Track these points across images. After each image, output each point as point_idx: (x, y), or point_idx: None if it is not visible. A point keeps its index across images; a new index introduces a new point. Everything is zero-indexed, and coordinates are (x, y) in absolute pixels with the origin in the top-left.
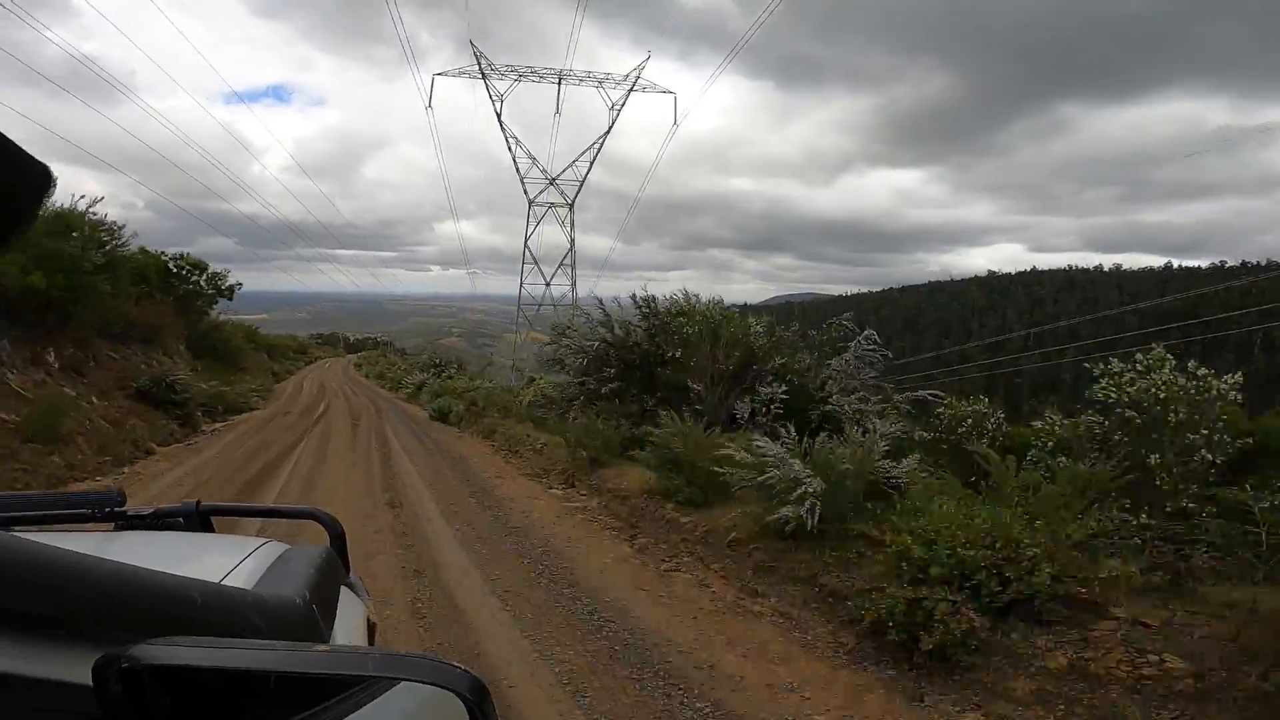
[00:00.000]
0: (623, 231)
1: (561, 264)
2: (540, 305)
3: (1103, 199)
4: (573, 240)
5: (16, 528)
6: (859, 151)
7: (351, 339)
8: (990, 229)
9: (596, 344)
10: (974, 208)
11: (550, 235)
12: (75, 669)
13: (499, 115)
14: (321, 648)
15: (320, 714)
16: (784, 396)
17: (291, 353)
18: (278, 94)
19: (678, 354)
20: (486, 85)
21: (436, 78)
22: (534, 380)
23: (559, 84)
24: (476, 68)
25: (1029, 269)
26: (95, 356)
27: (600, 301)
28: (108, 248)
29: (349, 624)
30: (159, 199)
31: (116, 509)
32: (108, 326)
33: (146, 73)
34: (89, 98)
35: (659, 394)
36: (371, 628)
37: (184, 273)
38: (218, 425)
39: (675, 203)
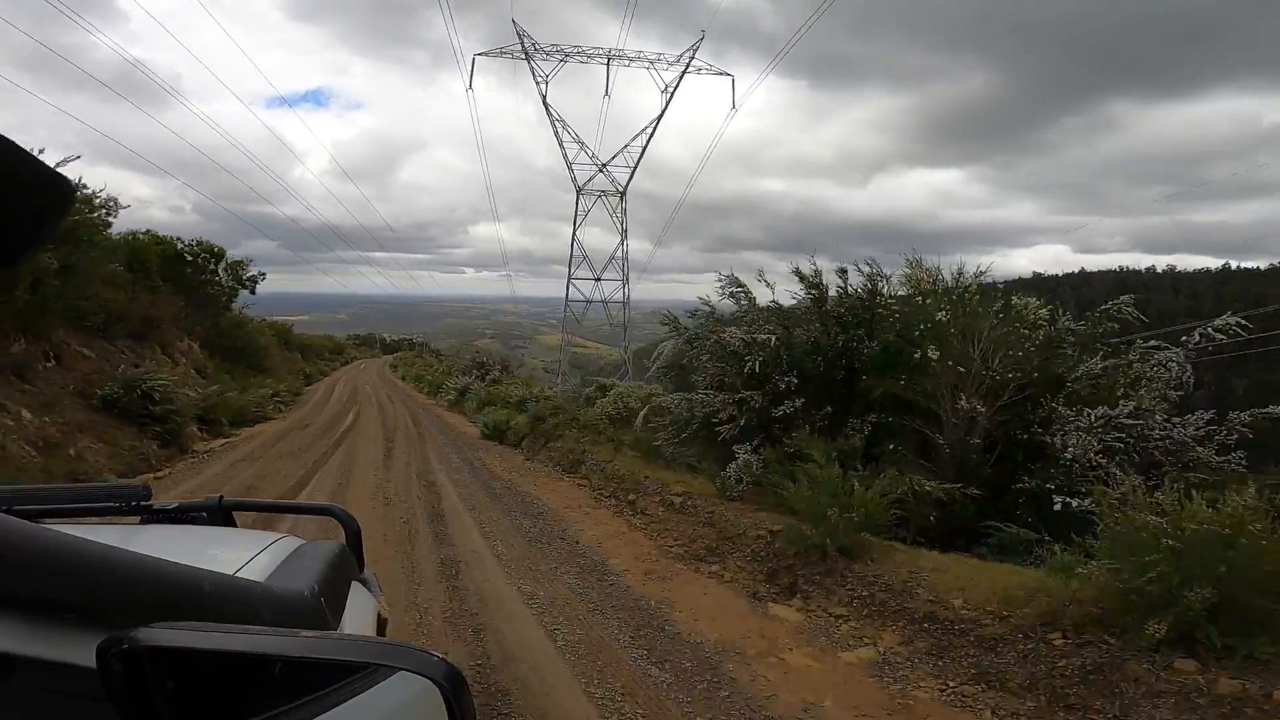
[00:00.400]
0: (667, 230)
1: (612, 258)
2: (589, 303)
3: (1152, 198)
4: (625, 231)
5: (47, 520)
6: (895, 151)
7: (388, 340)
8: (1033, 230)
9: (770, 338)
10: (1016, 208)
11: (591, 238)
12: (83, 652)
13: (544, 97)
14: (308, 633)
15: (317, 700)
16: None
17: (327, 353)
18: (316, 98)
19: (928, 354)
20: (530, 66)
21: (477, 58)
22: (630, 395)
23: (607, 65)
24: (519, 47)
25: (1077, 270)
26: (58, 354)
27: (740, 285)
28: (75, 217)
29: (358, 618)
30: (206, 202)
31: (142, 503)
32: (81, 317)
33: (191, 78)
34: (136, 103)
35: (872, 416)
36: (382, 623)
37: (199, 261)
38: (216, 444)
39: (706, 205)
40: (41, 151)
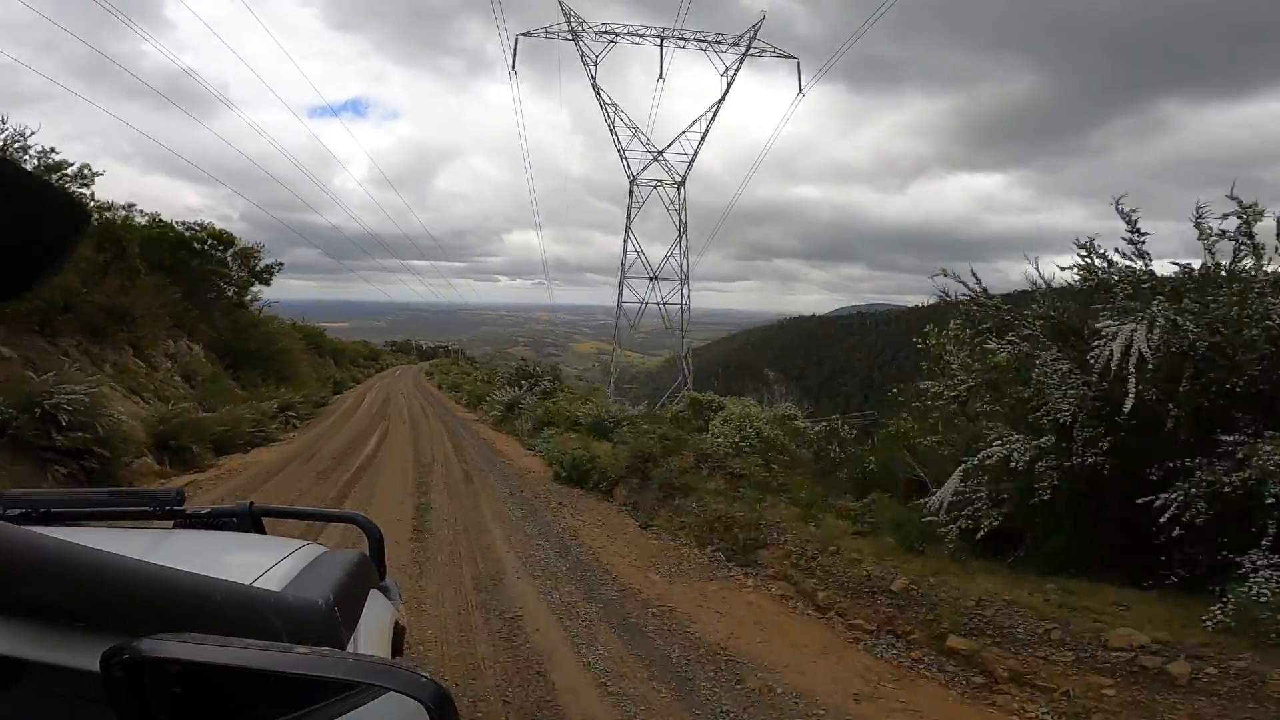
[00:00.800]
0: (714, 233)
1: (668, 256)
2: (644, 304)
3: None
4: (685, 225)
5: (86, 523)
6: (935, 155)
7: (424, 346)
8: (1080, 234)
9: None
10: (1062, 212)
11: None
12: (90, 658)
13: (593, 79)
14: (302, 650)
15: (310, 714)
16: None
17: (361, 359)
18: (355, 108)
19: None
20: (578, 46)
21: (520, 39)
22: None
23: (660, 46)
24: (565, 27)
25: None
26: None
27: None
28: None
29: (373, 626)
30: (253, 210)
31: (176, 507)
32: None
33: (237, 88)
34: (186, 112)
35: None
36: (400, 631)
37: (206, 249)
38: (175, 484)
39: (740, 211)
40: (59, 173)
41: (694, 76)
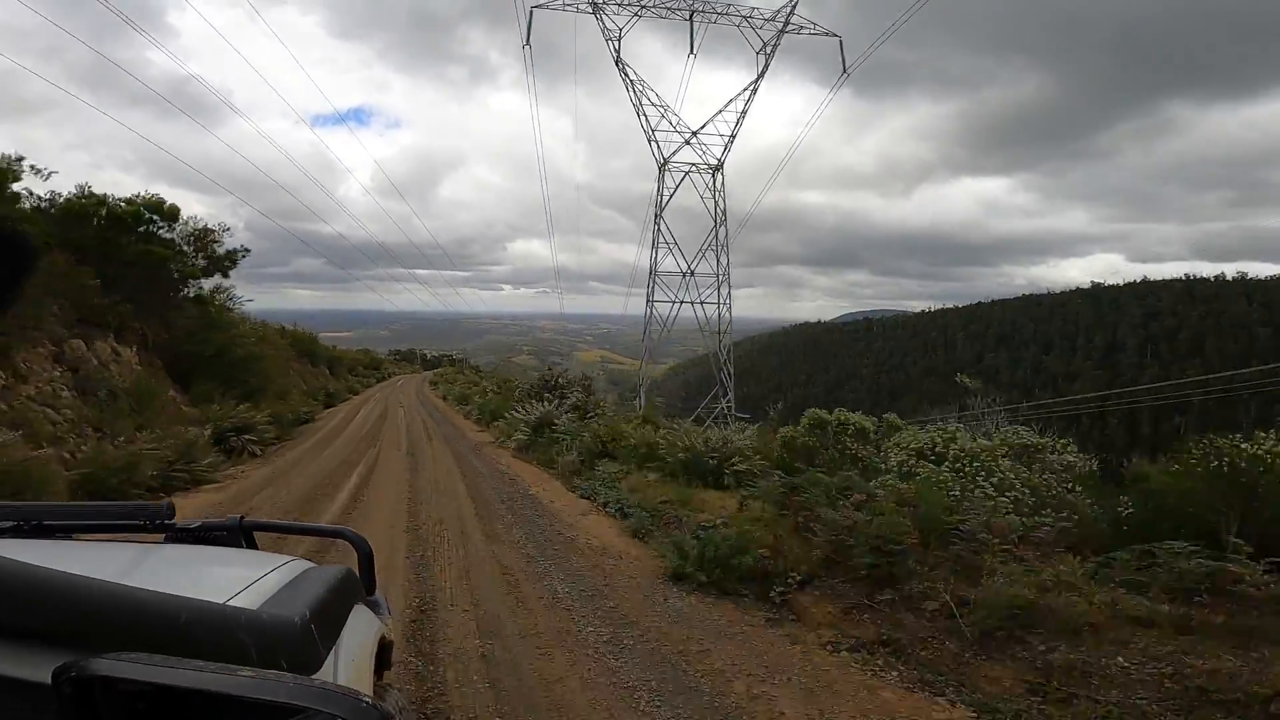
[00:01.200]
0: (744, 221)
1: (703, 251)
2: (679, 302)
3: (1213, 204)
4: (723, 214)
5: (75, 536)
6: (940, 159)
7: (429, 355)
8: (1085, 238)
9: None
10: (1067, 216)
11: (630, 255)
12: (43, 673)
13: (617, 56)
14: (248, 672)
15: None
16: None
17: (361, 367)
18: (358, 116)
19: None
20: (599, 20)
21: (534, 11)
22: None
23: (691, 20)
24: None
25: (1139, 279)
26: None
27: None
28: None
29: (355, 643)
30: (257, 219)
31: (166, 521)
32: None
33: (239, 96)
34: (187, 121)
35: None
36: (385, 645)
37: (147, 227)
38: None
39: (743, 218)
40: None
41: (723, 61)
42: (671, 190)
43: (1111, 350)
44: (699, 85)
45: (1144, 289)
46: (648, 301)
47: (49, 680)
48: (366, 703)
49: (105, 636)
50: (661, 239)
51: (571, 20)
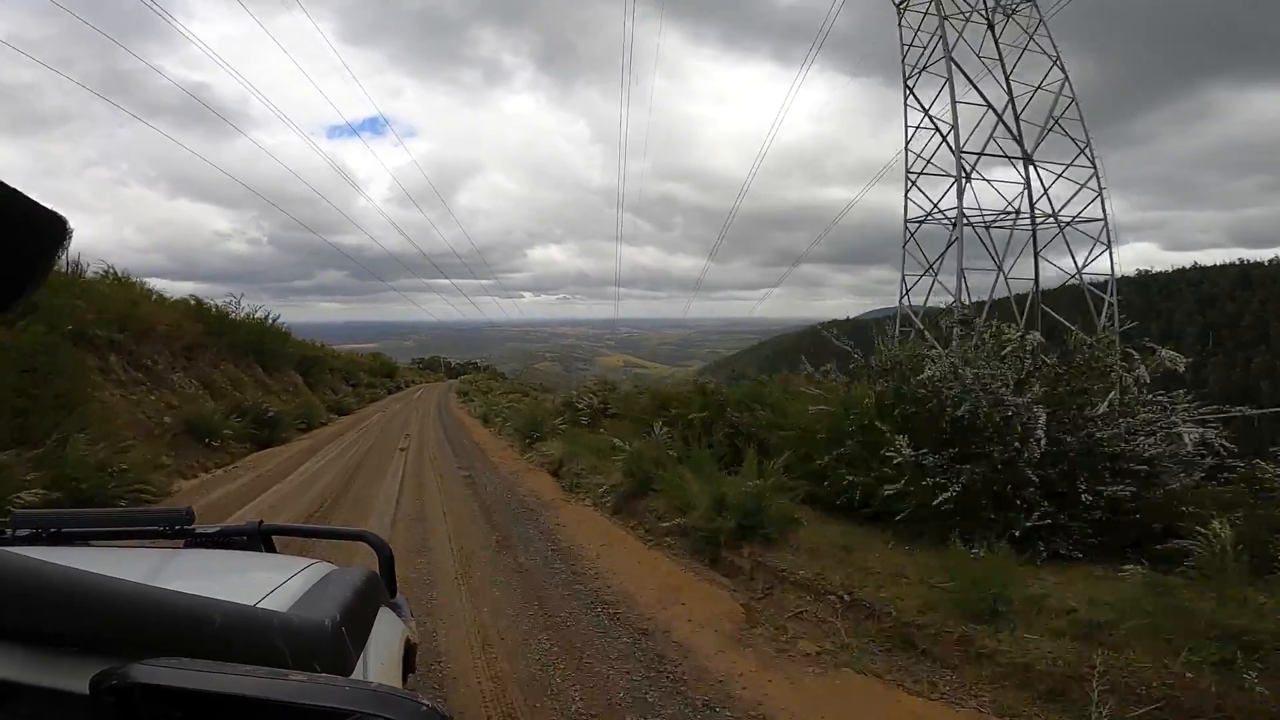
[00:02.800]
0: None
1: (1051, 125)
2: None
3: (1252, 189)
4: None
5: (95, 541)
6: (969, 148)
7: (453, 363)
8: (1119, 228)
9: None
10: (1099, 204)
11: (644, 256)
12: (82, 683)
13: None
14: (299, 675)
15: None
16: None
17: (366, 375)
18: (372, 126)
19: None
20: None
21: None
22: None
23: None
24: None
25: (1190, 265)
26: None
27: None
28: None
29: (383, 645)
30: (280, 233)
31: (186, 526)
32: None
33: (257, 110)
34: (208, 136)
35: None
36: (411, 648)
37: None
38: None
39: (767, 216)
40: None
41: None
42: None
43: (1168, 339)
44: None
45: (1195, 275)
46: (905, 211)
47: (86, 689)
48: (426, 705)
49: (140, 641)
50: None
51: (590, 20)
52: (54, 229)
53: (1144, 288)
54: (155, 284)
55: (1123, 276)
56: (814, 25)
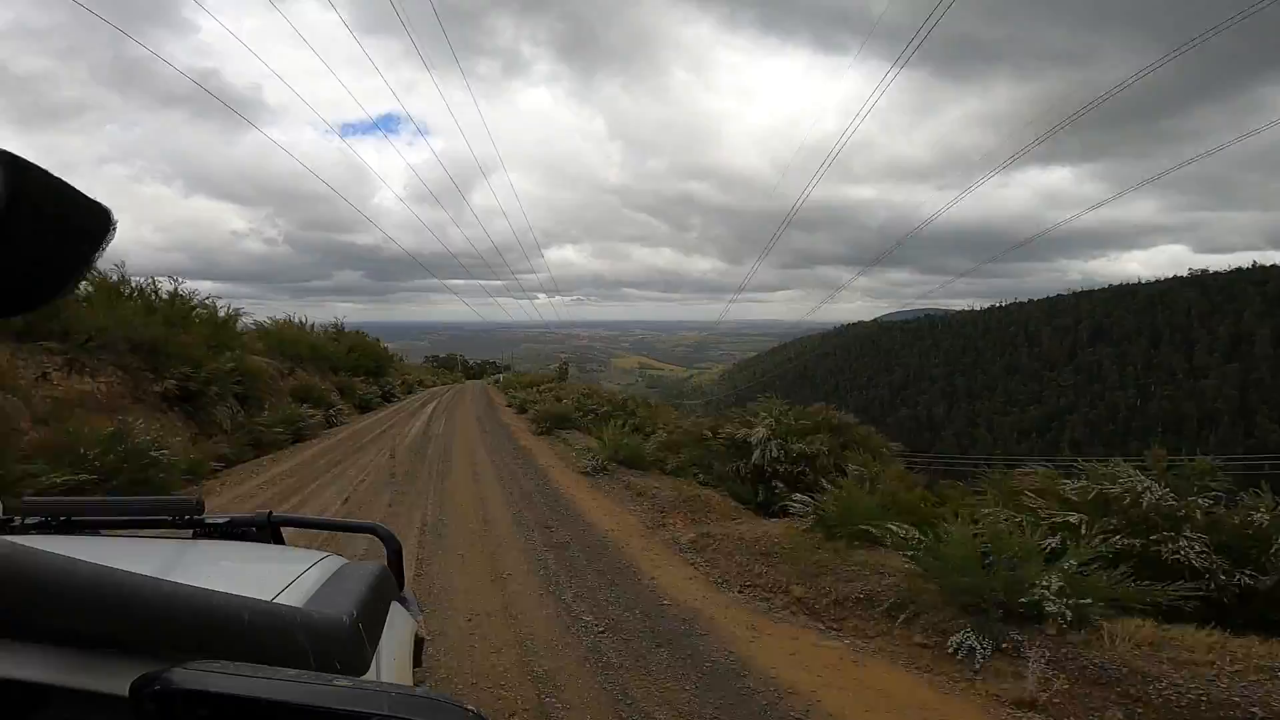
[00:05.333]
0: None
1: None
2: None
3: None
4: None
5: (104, 531)
6: (1007, 149)
7: (470, 363)
8: (1150, 229)
9: None
10: (1134, 206)
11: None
12: (120, 684)
13: None
14: (344, 681)
15: None
16: None
17: (337, 369)
18: (388, 124)
19: None
20: None
21: None
22: None
23: None
24: None
25: (1251, 264)
26: None
27: None
28: None
29: (396, 640)
30: (296, 233)
31: (195, 516)
32: None
33: (272, 106)
34: (224, 133)
35: None
36: (420, 643)
37: None
38: None
39: (788, 216)
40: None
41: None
42: None
43: (1237, 341)
44: None
45: (1259, 274)
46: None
47: (125, 692)
48: (472, 711)
49: (175, 642)
50: None
51: (612, 4)
52: (100, 219)
53: (1204, 287)
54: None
55: (1175, 276)
56: (859, 13)
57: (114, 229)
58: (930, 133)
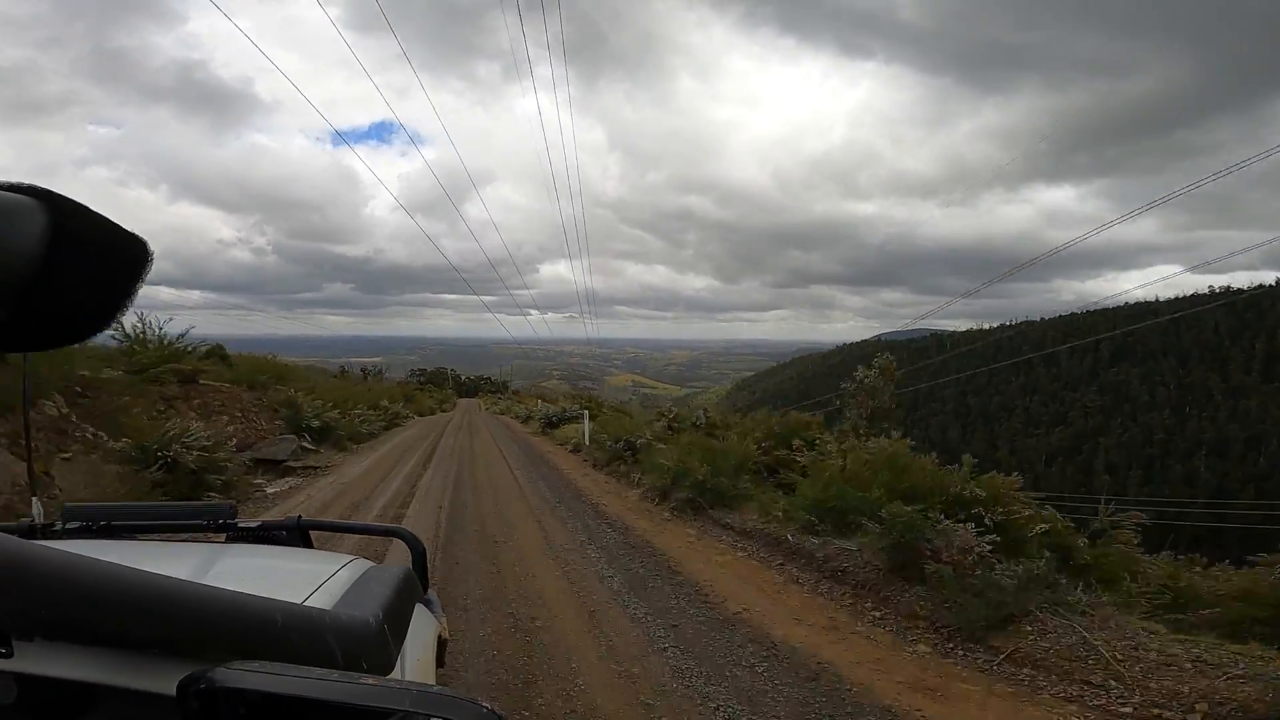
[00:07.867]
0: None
1: None
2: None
3: None
4: None
5: (141, 536)
6: (1017, 164)
7: (463, 378)
8: (1148, 248)
9: None
10: (1135, 224)
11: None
12: (166, 684)
13: None
14: (369, 679)
15: None
16: None
17: (267, 381)
18: (380, 131)
19: None
20: None
21: None
22: None
23: None
24: None
25: (1274, 283)
26: None
27: None
28: None
29: (420, 642)
30: (285, 242)
31: (228, 521)
32: None
33: (265, 103)
34: (212, 141)
35: None
36: (442, 644)
37: None
38: None
39: (787, 234)
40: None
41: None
42: None
43: (1272, 359)
44: None
45: None
46: None
47: (172, 692)
48: (486, 708)
49: (217, 644)
50: None
51: (621, 5)
52: (138, 250)
53: (1228, 306)
54: (164, 293)
55: (1195, 293)
56: (886, 17)
57: (151, 259)
58: (940, 146)
